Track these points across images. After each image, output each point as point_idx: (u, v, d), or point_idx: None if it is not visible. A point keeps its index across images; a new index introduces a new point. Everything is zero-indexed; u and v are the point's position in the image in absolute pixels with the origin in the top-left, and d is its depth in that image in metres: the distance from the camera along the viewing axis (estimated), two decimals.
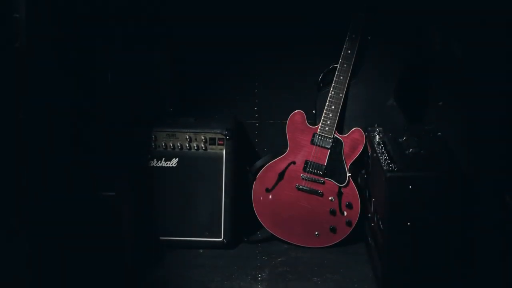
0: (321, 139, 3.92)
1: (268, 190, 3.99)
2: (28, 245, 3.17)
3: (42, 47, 3.34)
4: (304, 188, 3.95)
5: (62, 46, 3.57)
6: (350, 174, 3.90)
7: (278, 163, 3.97)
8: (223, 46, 4.17)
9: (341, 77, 3.90)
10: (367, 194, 3.87)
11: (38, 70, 3.26)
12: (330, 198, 3.93)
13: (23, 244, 3.15)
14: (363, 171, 3.95)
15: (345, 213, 3.93)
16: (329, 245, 3.99)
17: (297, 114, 3.95)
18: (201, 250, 3.97)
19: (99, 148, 3.78)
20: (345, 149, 3.91)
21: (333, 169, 3.92)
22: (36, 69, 3.23)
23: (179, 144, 3.93)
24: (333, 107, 3.90)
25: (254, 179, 3.99)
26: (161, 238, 3.96)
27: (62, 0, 3.56)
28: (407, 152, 3.55)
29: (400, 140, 3.67)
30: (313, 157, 3.93)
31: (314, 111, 4.01)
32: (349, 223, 3.94)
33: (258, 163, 4.01)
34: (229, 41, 4.17)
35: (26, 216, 3.16)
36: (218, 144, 3.94)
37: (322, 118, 3.91)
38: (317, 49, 4.15)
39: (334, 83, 3.91)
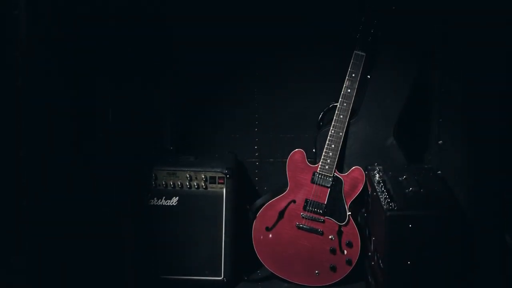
0: (321, 177, 3.93)
1: (268, 229, 3.98)
2: (28, 246, 3.16)
3: (42, 47, 3.34)
4: (304, 226, 3.95)
5: (62, 46, 3.55)
6: (350, 213, 3.90)
7: (278, 202, 3.97)
8: (223, 85, 4.21)
9: (341, 116, 3.92)
10: (367, 233, 3.86)
11: (38, 70, 3.27)
12: (330, 236, 3.93)
13: (23, 245, 3.14)
14: (363, 210, 3.95)
15: (345, 252, 3.93)
16: (329, 283, 3.97)
17: (297, 153, 3.96)
18: None
19: (99, 149, 3.77)
20: (345, 187, 3.92)
21: (333, 207, 3.92)
22: (36, 69, 3.23)
23: (179, 183, 3.93)
24: (333, 145, 3.91)
25: (254, 217, 3.99)
26: (161, 276, 3.95)
27: (62, 0, 3.55)
28: (407, 191, 3.55)
29: (400, 179, 3.67)
30: (313, 196, 3.93)
31: (314, 150, 4.02)
32: (349, 262, 3.93)
33: (258, 201, 4.01)
34: (229, 79, 4.21)
35: (26, 216, 3.15)
36: (219, 183, 3.94)
37: (322, 157, 3.92)
38: (317, 88, 4.18)
39: (334, 122, 3.92)
